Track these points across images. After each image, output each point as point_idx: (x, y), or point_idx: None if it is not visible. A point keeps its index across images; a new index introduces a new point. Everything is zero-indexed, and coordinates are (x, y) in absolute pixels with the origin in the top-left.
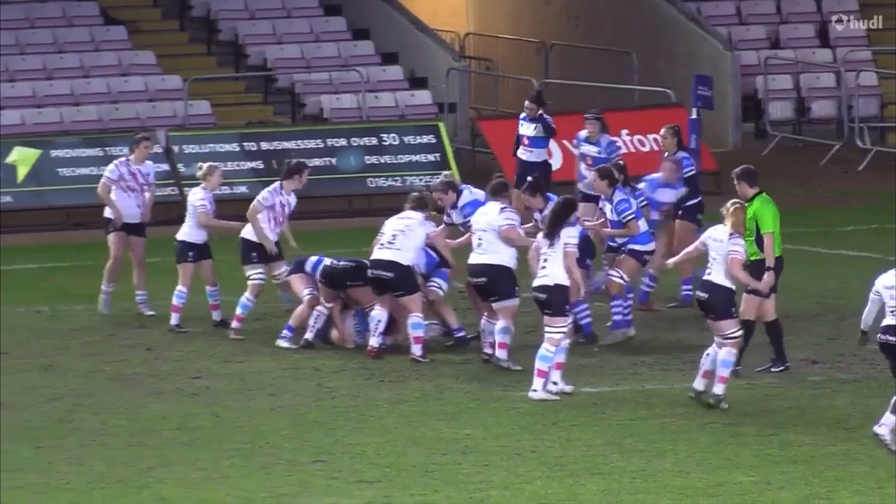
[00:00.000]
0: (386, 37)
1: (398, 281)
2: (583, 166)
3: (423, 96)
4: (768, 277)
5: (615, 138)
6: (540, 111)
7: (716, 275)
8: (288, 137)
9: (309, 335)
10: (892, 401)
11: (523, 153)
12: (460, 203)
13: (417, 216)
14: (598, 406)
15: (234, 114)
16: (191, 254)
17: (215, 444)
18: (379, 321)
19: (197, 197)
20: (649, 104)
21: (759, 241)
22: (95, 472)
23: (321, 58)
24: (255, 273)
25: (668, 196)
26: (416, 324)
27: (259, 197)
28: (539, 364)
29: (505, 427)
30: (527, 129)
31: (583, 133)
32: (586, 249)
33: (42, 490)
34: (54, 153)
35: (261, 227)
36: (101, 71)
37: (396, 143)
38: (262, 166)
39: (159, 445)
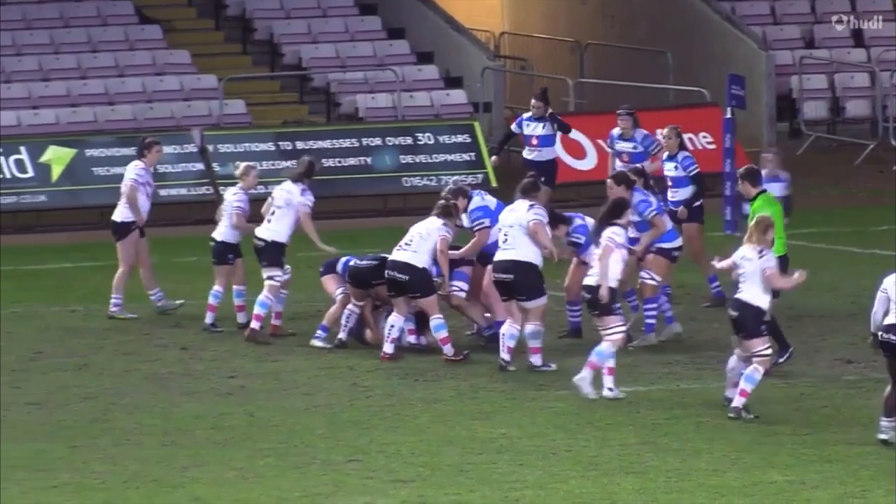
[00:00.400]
0: (421, 36)
1: (413, 283)
2: (618, 163)
3: (458, 96)
4: (798, 276)
5: (649, 132)
6: (550, 110)
7: (747, 293)
8: (323, 137)
9: (342, 335)
10: (885, 402)
11: (530, 153)
12: (470, 207)
13: (438, 222)
14: (632, 405)
15: (270, 113)
16: (230, 255)
17: (250, 444)
18: (392, 326)
19: (235, 198)
20: (684, 104)
21: None
22: (130, 471)
23: (356, 57)
24: (278, 275)
25: (777, 189)
26: (438, 325)
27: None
28: (606, 362)
29: (540, 426)
30: (534, 128)
31: (616, 131)
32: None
33: (77, 489)
34: (89, 152)
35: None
36: (135, 70)
37: (431, 142)
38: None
39: (194, 445)
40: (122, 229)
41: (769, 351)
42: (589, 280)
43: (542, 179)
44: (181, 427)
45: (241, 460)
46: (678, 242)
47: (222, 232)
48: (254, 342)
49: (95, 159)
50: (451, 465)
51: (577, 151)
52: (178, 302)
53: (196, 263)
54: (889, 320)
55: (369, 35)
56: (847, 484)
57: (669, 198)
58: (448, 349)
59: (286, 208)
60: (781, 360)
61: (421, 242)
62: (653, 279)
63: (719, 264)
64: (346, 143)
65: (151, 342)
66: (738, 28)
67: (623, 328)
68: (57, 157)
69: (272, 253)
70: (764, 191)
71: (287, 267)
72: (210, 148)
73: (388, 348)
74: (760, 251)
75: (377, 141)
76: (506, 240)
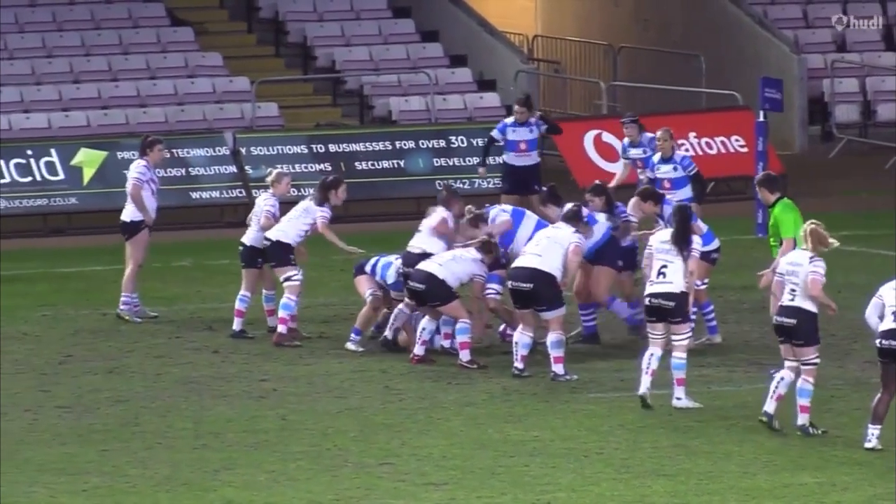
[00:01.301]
0: (454, 39)
1: (429, 292)
2: (642, 173)
3: (491, 98)
4: (833, 303)
5: (654, 135)
6: (539, 114)
7: (800, 300)
8: (356, 140)
9: (388, 332)
10: (874, 409)
11: (516, 159)
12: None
13: (476, 255)
14: (664, 408)
15: (303, 116)
16: (259, 259)
17: (281, 447)
18: (424, 329)
19: (266, 203)
20: (717, 107)
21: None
22: (161, 475)
23: (390, 60)
24: (293, 274)
25: None
26: (462, 329)
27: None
28: (676, 374)
29: (572, 429)
30: (522, 133)
31: (626, 140)
32: (631, 260)
33: (108, 493)
34: (120, 155)
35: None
36: (167, 72)
37: (465, 145)
38: (330, 168)
39: (225, 448)
40: (132, 228)
41: (818, 360)
42: (665, 287)
43: (536, 185)
44: (213, 430)
45: (273, 463)
46: (716, 244)
47: (252, 236)
48: (282, 346)
49: (127, 162)
50: (482, 468)
51: (610, 155)
52: (139, 320)
53: (228, 266)
54: (884, 326)
55: (402, 38)
56: (877, 486)
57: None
58: (465, 355)
59: (304, 214)
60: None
61: (448, 258)
62: (701, 283)
63: (763, 283)
64: (380, 145)
65: (183, 345)
66: (770, 31)
67: (690, 335)
68: (88, 160)
69: (279, 253)
70: (782, 196)
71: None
72: (242, 150)
73: (418, 350)
74: (811, 257)
75: (410, 144)
76: (536, 246)
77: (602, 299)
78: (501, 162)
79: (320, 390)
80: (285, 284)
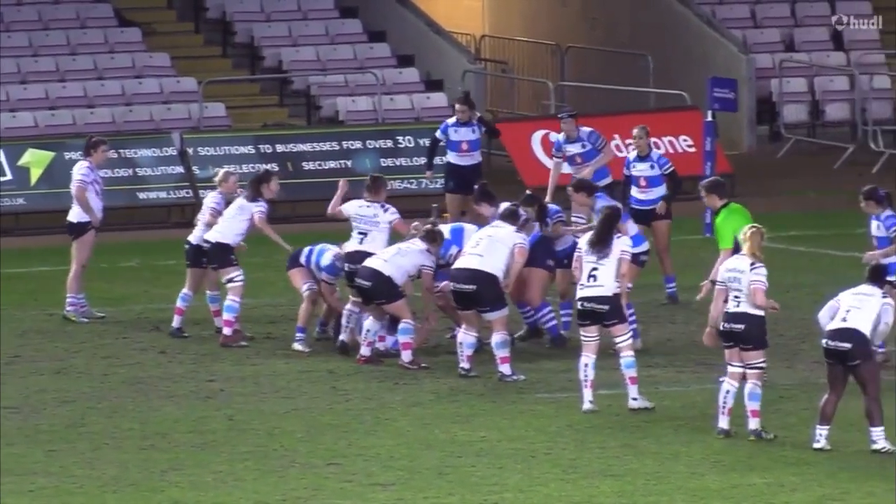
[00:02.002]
0: (402, 39)
1: (375, 289)
2: (568, 168)
3: (438, 99)
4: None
5: (593, 129)
6: (479, 114)
7: (745, 305)
8: (303, 140)
9: (343, 336)
10: (821, 410)
11: (459, 158)
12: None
13: (421, 246)
14: (612, 408)
15: (250, 116)
16: (204, 259)
17: (229, 447)
18: (368, 330)
19: (213, 200)
20: (664, 107)
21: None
22: (108, 475)
23: (337, 60)
24: (235, 275)
25: None
26: (405, 329)
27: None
28: (628, 372)
29: (519, 429)
30: (464, 133)
31: (560, 136)
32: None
33: (54, 494)
34: (68, 155)
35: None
36: (115, 73)
37: (412, 145)
38: (277, 168)
39: (172, 448)
40: (79, 229)
41: (765, 363)
42: (597, 291)
43: (477, 185)
44: (160, 431)
45: (220, 464)
46: (645, 247)
47: (198, 235)
48: (229, 346)
49: (74, 162)
50: (430, 468)
51: None
52: (85, 320)
53: (175, 267)
54: (831, 326)
55: (350, 38)
56: (826, 486)
57: (642, 197)
58: (407, 355)
59: (239, 212)
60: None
61: (397, 256)
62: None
63: (701, 295)
64: (327, 146)
65: (130, 346)
66: (719, 31)
67: (630, 334)
68: (35, 160)
69: (219, 254)
70: (728, 203)
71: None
72: (190, 151)
73: (364, 351)
74: (752, 265)
75: (357, 144)
76: (477, 246)
77: (535, 303)
78: (445, 162)
79: (267, 391)
80: (228, 286)
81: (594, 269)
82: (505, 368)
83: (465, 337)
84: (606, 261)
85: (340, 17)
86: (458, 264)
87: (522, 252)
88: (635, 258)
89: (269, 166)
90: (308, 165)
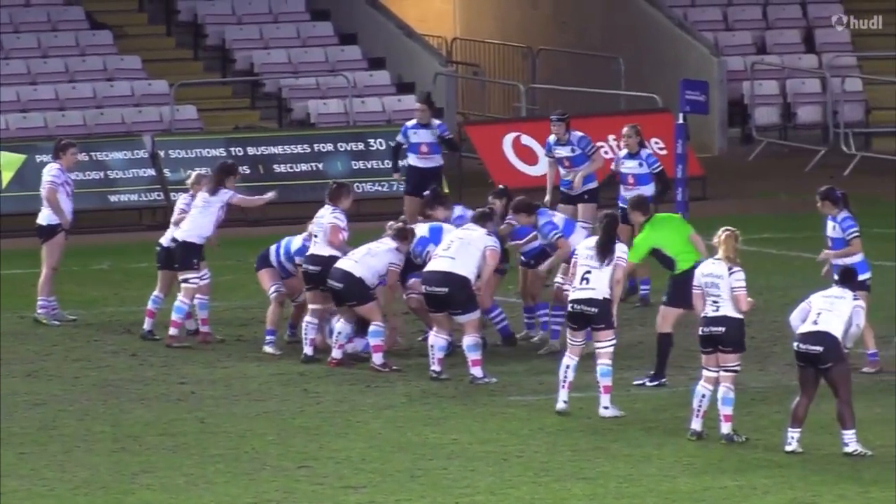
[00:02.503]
0: (373, 42)
1: (347, 291)
2: (561, 170)
3: (409, 101)
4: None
5: (584, 134)
6: (438, 119)
7: (725, 309)
8: (275, 142)
9: (308, 350)
10: (793, 413)
11: (418, 160)
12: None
13: (391, 244)
14: (584, 411)
15: (221, 119)
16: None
17: (200, 450)
18: (340, 333)
19: (182, 201)
20: (636, 109)
21: (664, 262)
22: (79, 478)
23: (308, 63)
24: (191, 276)
25: None
26: (375, 332)
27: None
28: (603, 381)
29: (491, 432)
30: (423, 136)
31: (551, 138)
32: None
33: (25, 496)
34: (39, 158)
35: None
36: (86, 75)
37: (383, 148)
38: (248, 171)
39: (144, 451)
40: (48, 231)
41: (740, 367)
42: (589, 294)
43: (428, 190)
44: (131, 433)
45: (192, 466)
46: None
47: (168, 237)
48: (171, 347)
49: (45, 165)
50: (401, 470)
51: (529, 157)
52: (57, 323)
53: (146, 269)
54: (802, 329)
55: (321, 41)
56: (797, 489)
57: (629, 195)
58: (378, 358)
59: (206, 206)
60: (651, 383)
61: (367, 257)
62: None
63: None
64: (298, 148)
65: (101, 348)
66: (690, 34)
67: (614, 342)
68: (7, 163)
69: (182, 253)
70: (650, 218)
71: (205, 272)
72: (161, 153)
73: (335, 354)
74: (730, 269)
75: (329, 147)
76: (448, 248)
77: (486, 305)
78: (405, 164)
79: (238, 393)
80: (182, 286)
81: (587, 272)
82: (476, 371)
83: (437, 340)
84: (602, 265)
85: (312, 20)
86: (430, 267)
87: (494, 254)
88: None
89: (241, 169)
90: (279, 168)
